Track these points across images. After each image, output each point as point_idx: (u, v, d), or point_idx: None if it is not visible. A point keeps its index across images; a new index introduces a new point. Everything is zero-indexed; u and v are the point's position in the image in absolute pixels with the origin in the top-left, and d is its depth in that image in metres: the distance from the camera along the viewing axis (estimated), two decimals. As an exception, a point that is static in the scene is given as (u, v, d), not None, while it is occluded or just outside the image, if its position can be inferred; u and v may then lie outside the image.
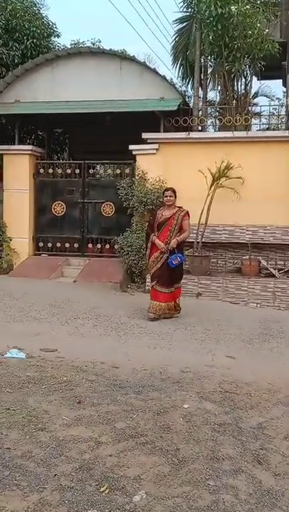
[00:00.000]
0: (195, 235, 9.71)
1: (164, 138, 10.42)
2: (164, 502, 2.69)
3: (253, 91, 16.57)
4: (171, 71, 35.85)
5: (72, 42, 15.62)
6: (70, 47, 13.95)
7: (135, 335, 6.35)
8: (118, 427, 3.51)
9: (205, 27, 11.51)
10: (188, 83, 19.17)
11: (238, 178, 9.67)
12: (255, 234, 9.87)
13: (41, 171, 11.54)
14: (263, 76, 15.08)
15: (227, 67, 11.10)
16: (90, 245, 11.34)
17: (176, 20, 18.66)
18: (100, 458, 3.09)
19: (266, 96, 18.75)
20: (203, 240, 9.73)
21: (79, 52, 11.53)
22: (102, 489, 2.77)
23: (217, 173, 9.54)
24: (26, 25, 12.82)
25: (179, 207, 7.40)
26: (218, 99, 17.35)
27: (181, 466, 3.05)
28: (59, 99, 11.21)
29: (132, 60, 11.13)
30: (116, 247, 10.49)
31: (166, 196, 7.28)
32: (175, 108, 10.25)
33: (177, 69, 19.05)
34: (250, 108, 12.32)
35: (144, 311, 7.34)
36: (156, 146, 10.40)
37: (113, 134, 12.62)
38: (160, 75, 10.95)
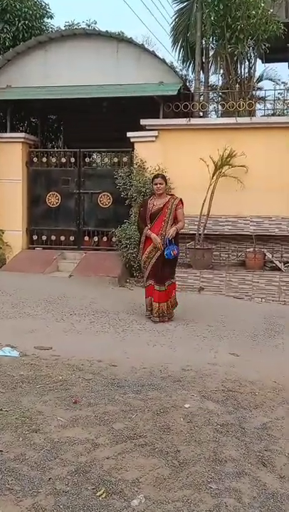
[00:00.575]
0: (196, 227, 9.70)
1: (163, 124, 10.38)
2: (163, 506, 2.70)
3: (257, 74, 16.45)
4: (170, 54, 35.76)
5: (67, 23, 15.54)
6: (64, 29, 13.86)
7: (134, 332, 6.36)
8: (116, 428, 3.51)
9: (206, 7, 11.43)
10: (188, 66, 19.06)
11: (241, 166, 9.64)
12: (260, 225, 9.85)
13: (35, 159, 11.50)
14: (267, 59, 14.97)
15: (230, 50, 11.03)
16: (86, 238, 11.33)
17: (176, -1, 18.52)
18: (96, 460, 3.10)
19: (271, 80, 18.61)
20: (205, 232, 9.72)
21: (73, 34, 11.47)
22: (98, 493, 2.78)
23: (219, 161, 9.51)
24: (18, 6, 12.74)
25: (171, 195, 7.25)
26: (220, 84, 17.26)
27: (181, 468, 3.06)
28: (53, 83, 11.16)
29: (130, 42, 11.07)
30: (114, 239, 10.48)
31: (156, 184, 6.96)
32: (175, 93, 10.20)
33: (177, 52, 18.92)
34: (254, 92, 12.30)
35: (144, 307, 7.33)
36: (155, 133, 10.36)
37: (110, 120, 12.56)
38: (159, 57, 10.89)
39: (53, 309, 7.23)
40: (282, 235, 9.83)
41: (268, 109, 11.31)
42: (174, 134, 10.32)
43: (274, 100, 11.26)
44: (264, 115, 11.57)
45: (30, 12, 12.95)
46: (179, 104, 10.29)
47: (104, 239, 11.17)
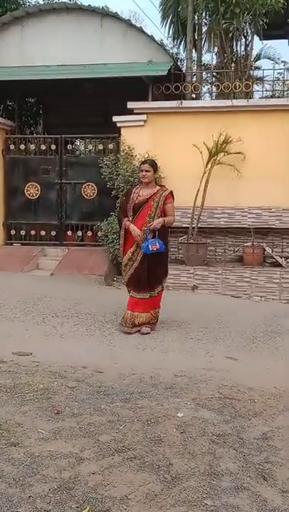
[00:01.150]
0: (190, 219, 9.71)
1: (152, 108, 10.36)
2: (155, 525, 2.69)
3: (254, 53, 16.50)
4: (160, 31, 35.64)
5: (46, -3, 15.46)
6: (42, 3, 13.79)
7: (122, 335, 6.35)
8: (102, 441, 3.50)
9: (198, -22, 11.42)
10: (179, 44, 19.10)
11: (238, 153, 9.66)
12: (259, 217, 9.88)
13: (11, 147, 11.46)
14: (265, 36, 15.01)
15: (224, 26, 11.02)
16: (69, 233, 11.31)
17: None
18: (81, 476, 3.09)
19: (270, 58, 18.67)
20: (199, 225, 9.73)
21: (53, 8, 11.40)
22: (84, 512, 2.77)
23: (214, 147, 9.52)
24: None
25: (161, 186, 6.83)
26: (214, 63, 17.27)
27: (174, 483, 3.05)
28: (31, 63, 11.10)
29: (115, 17, 11.03)
30: (99, 234, 10.46)
31: (142, 171, 6.40)
32: (165, 73, 10.18)
33: (167, 28, 18.96)
34: (251, 72, 12.29)
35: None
36: (143, 117, 10.34)
37: (94, 103, 12.54)
38: (147, 34, 10.87)
39: (33, 311, 7.20)
40: (283, 227, 9.87)
41: (266, 91, 11.37)
42: (164, 118, 10.30)
43: (273, 81, 11.28)
44: (262, 97, 11.61)
45: (5, -16, 12.89)
46: (170, 85, 10.28)
47: (89, 233, 11.16)
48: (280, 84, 11.66)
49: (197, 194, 9.52)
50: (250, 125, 9.92)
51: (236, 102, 10.11)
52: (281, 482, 3.12)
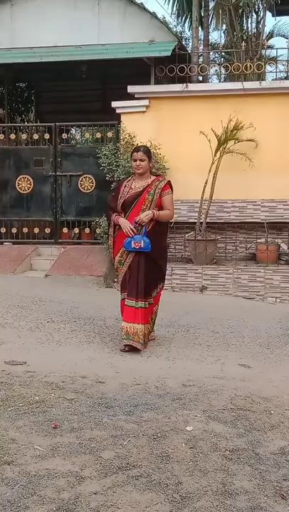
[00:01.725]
0: (197, 214, 9.70)
1: (155, 92, 10.36)
2: None
3: (266, 30, 16.50)
4: (162, 7, 35.67)
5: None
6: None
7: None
8: (105, 457, 3.50)
9: None
10: (184, 22, 19.03)
11: (249, 140, 9.65)
12: (273, 211, 9.88)
13: (1, 136, 11.46)
14: (279, 11, 14.94)
15: (234, 1, 11.01)
16: (64, 230, 11.31)
17: None
18: (82, 497, 3.09)
19: (284, 36, 18.63)
20: (207, 220, 9.73)
21: (45, -16, 11.41)
22: (85, 536, 2.77)
23: (223, 134, 9.52)
24: None
25: (157, 175, 6.35)
26: (223, 42, 17.25)
27: (184, 503, 3.05)
28: (21, 45, 11.12)
29: (113, -7, 11.03)
30: (98, 231, 10.46)
31: (136, 160, 5.90)
32: (169, 53, 10.19)
33: (170, 4, 18.89)
34: (263, 52, 12.28)
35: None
36: (145, 102, 10.34)
37: (91, 88, 12.56)
38: (149, 11, 10.88)
39: (27, 316, 7.20)
40: (299, 222, 9.87)
41: (280, 72, 11.34)
42: (168, 102, 10.30)
43: (287, 61, 11.26)
44: (276, 79, 11.57)
45: None
46: (174, 67, 10.28)
47: (87, 230, 11.16)
48: (295, 64, 11.62)
49: (205, 186, 9.51)
50: (263, 110, 9.91)
51: (247, 85, 10.09)
52: (301, 501, 3.12)
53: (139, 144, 9.96)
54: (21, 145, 11.52)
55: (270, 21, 22.79)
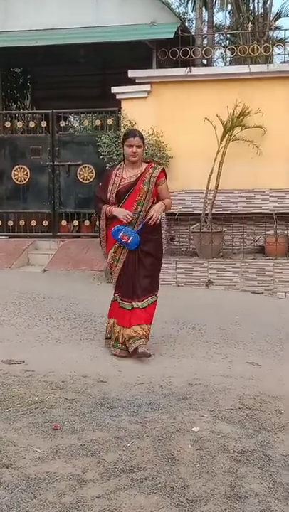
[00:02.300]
0: (202, 205, 9.69)
1: (157, 76, 10.33)
2: None
3: (274, 10, 16.44)
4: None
5: None
6: None
7: (127, 338, 6.35)
8: (107, 460, 3.51)
9: None
10: (187, 2, 19.01)
11: (257, 127, 9.62)
12: (282, 201, 9.86)
13: (-5, 125, 11.45)
14: (287, -10, 14.94)
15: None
16: (63, 222, 11.31)
17: None
18: (84, 501, 3.10)
19: (292, 17, 18.60)
20: (213, 211, 9.71)
21: None
22: None
23: (229, 121, 9.48)
24: None
25: (148, 162, 6.08)
26: (228, 23, 17.20)
27: (191, 507, 3.06)
28: (15, 28, 11.08)
29: (112, -28, 11.00)
30: (98, 223, 10.43)
31: (132, 146, 5.62)
32: (171, 35, 10.16)
33: (173, -17, 18.86)
34: (271, 33, 12.23)
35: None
36: (147, 87, 10.29)
37: (90, 73, 12.52)
38: (150, -9, 10.84)
39: (24, 313, 7.21)
40: (310, 212, 9.86)
41: (288, 54, 11.27)
42: (171, 87, 10.26)
43: (297, 42, 11.23)
44: (284, 61, 11.53)
45: None
46: (177, 50, 10.23)
47: (86, 223, 11.16)
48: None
49: (210, 175, 9.49)
50: (271, 94, 9.87)
51: (254, 68, 10.06)
52: (314, 504, 3.13)
53: (141, 132, 10.00)
54: (17, 133, 11.51)
55: (278, 1, 22.76)
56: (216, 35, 15.75)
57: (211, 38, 14.09)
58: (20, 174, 11.41)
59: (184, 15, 18.99)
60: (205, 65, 11.46)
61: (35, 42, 10.83)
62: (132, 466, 3.45)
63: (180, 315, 7.26)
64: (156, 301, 5.83)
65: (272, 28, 13.58)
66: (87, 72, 12.57)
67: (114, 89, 10.36)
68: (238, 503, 3.11)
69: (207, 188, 9.54)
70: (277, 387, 4.83)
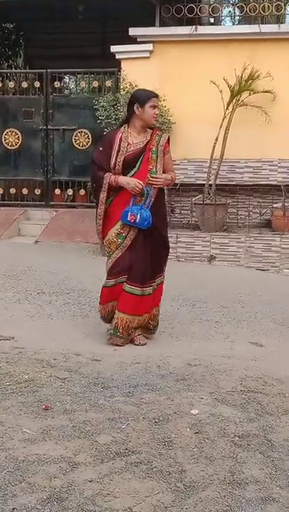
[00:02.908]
0: (206, 175, 9.65)
1: (160, 35, 10.22)
2: None
3: None
4: None
5: None
6: None
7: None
8: (101, 442, 3.52)
9: None
10: None
11: (266, 91, 9.55)
12: (291, 172, 9.83)
13: (-15, 84, 11.36)
14: None
15: None
16: (57, 191, 11.27)
17: None
18: (75, 484, 3.11)
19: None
20: (217, 182, 9.68)
21: None
22: (79, 527, 2.81)
23: (237, 85, 9.41)
24: None
25: (152, 128, 5.61)
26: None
27: (188, 493, 3.08)
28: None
29: None
30: (94, 192, 10.41)
31: (154, 107, 5.41)
32: (176, -9, 10.02)
33: None
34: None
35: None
36: (149, 46, 10.19)
37: (88, 30, 12.38)
38: None
39: (14, 287, 7.21)
40: None
41: (302, 14, 11.16)
42: (175, 47, 10.17)
43: (311, 1, 11.12)
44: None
45: None
46: (182, 7, 10.10)
47: (82, 192, 11.12)
48: None
49: (215, 143, 9.43)
50: (283, 57, 9.79)
51: (265, 28, 9.95)
52: None
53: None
54: (8, 94, 11.41)
55: None
56: (224, -9, 15.54)
57: (218, -6, 13.90)
58: (12, 138, 11.33)
59: None
60: (212, 24, 11.31)
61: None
62: (126, 449, 3.46)
63: (180, 292, 7.26)
64: (163, 282, 5.68)
65: (286, -16, 13.43)
66: (86, 30, 12.43)
67: (114, 48, 10.25)
68: (237, 490, 3.12)
69: (211, 157, 9.49)
70: (281, 369, 4.83)
